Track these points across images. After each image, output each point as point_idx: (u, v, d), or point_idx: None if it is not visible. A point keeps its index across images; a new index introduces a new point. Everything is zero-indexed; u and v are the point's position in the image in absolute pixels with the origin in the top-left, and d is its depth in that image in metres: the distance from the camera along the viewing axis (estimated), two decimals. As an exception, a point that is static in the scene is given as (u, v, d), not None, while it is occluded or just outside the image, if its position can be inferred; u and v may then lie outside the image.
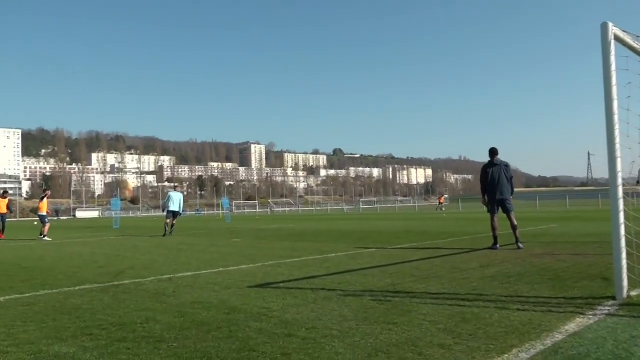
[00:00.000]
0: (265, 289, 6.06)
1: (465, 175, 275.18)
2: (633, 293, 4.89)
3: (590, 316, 4.23)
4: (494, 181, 10.04)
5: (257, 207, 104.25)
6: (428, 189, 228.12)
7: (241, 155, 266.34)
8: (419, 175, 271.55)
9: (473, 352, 3.37)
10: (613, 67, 4.86)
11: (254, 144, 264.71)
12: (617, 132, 4.86)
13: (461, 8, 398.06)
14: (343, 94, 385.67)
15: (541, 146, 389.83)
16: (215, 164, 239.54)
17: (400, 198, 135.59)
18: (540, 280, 6.09)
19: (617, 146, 4.87)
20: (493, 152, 10.25)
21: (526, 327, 3.92)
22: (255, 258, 9.67)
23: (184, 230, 22.61)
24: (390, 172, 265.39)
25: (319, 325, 4.23)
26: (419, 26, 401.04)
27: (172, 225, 18.29)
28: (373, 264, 8.26)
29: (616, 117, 4.85)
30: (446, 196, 50.23)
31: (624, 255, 4.82)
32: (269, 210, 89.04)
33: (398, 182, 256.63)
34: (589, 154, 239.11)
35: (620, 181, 4.86)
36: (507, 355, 3.27)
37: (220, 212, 59.15)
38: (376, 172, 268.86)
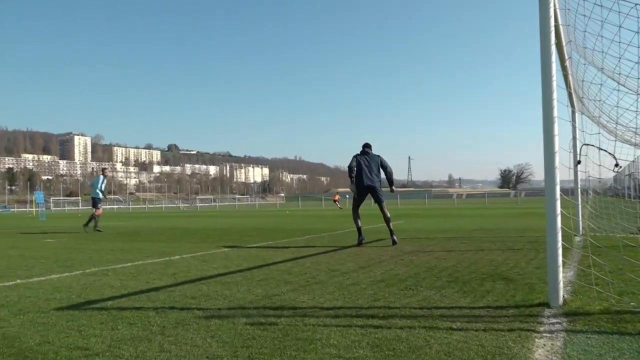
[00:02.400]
0: (83, 312, 4.11)
1: (301, 175, 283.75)
2: (565, 295, 4.05)
3: (547, 335, 3.20)
4: (361, 168, 9.34)
5: (80, 203, 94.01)
6: (265, 188, 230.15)
7: (62, 147, 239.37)
8: (256, 174, 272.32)
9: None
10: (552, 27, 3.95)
11: (78, 135, 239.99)
12: (554, 100, 3.96)
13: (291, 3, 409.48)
14: (179, 88, 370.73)
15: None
16: (29, 156, 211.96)
17: (238, 196, 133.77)
18: (441, 283, 5.09)
19: (555, 134, 3.97)
20: (366, 145, 9.71)
21: (489, 358, 2.72)
22: (72, 263, 7.37)
23: (-19, 230, 18.34)
24: (228, 170, 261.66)
25: (176, 379, 2.55)
26: (259, 19, 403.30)
27: None
28: (231, 267, 6.63)
29: (554, 80, 3.95)
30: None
31: (559, 254, 3.94)
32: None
33: (235, 180, 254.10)
34: (409, 158, 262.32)
35: (557, 173, 3.97)
36: None
37: (34, 209, 51.50)
38: (213, 169, 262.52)
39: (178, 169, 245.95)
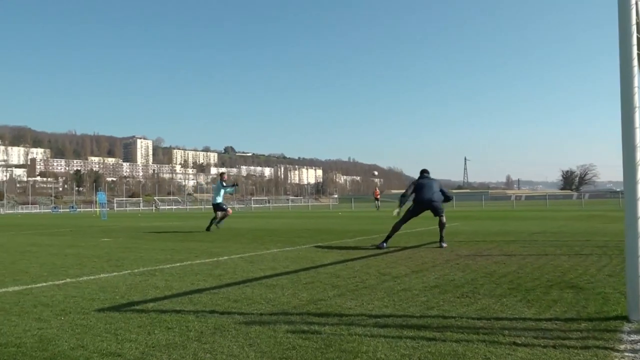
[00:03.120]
0: (123, 314, 3.99)
1: (354, 177, 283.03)
2: (648, 311, 3.56)
3: (629, 354, 2.77)
4: (422, 186, 9.50)
5: (141, 204, 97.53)
6: (319, 189, 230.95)
7: (125, 150, 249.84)
8: (310, 176, 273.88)
9: None
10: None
11: (140, 138, 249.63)
12: (636, 96, 3.49)
13: (362, 9, 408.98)
14: (235, 91, 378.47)
15: (422, 151, 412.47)
16: (95, 159, 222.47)
17: (291, 197, 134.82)
18: (502, 291, 4.66)
19: (637, 127, 3.50)
20: (424, 171, 9.91)
21: (561, 385, 2.34)
22: (122, 263, 7.40)
23: (46, 228, 19.14)
24: (282, 172, 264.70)
25: (206, 393, 2.33)
26: (311, 25, 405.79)
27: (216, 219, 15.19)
28: (278, 269, 6.43)
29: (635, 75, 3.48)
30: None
31: (640, 262, 3.46)
32: (154, 207, 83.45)
33: (289, 181, 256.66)
34: (465, 159, 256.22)
35: (638, 179, 3.49)
36: None
37: (97, 209, 53.81)
38: (268, 171, 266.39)
39: (234, 170, 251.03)
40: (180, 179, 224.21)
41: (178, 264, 7.14)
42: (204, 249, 9.31)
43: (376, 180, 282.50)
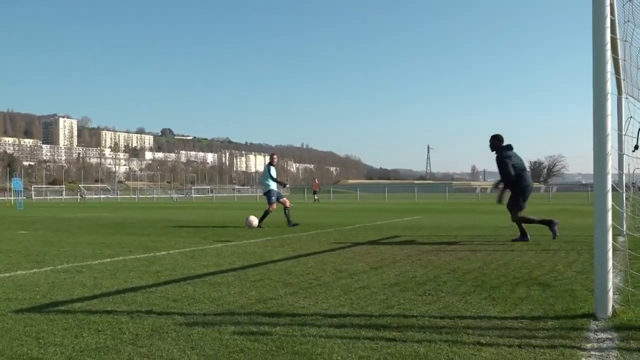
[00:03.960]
0: (46, 315, 3.88)
1: (308, 165, 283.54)
2: (615, 305, 3.77)
3: (596, 353, 2.93)
4: (524, 168, 8.98)
5: (64, 192, 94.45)
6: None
7: (45, 130, 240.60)
8: (258, 162, 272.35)
9: None
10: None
11: (63, 117, 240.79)
12: (608, 84, 3.66)
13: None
14: (174, 69, 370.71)
15: (382, 139, 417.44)
16: (9, 139, 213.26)
17: (237, 187, 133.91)
18: (466, 288, 4.82)
19: (608, 114, 3.68)
20: (509, 146, 9.09)
21: (527, 385, 2.46)
22: (43, 258, 7.18)
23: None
24: (227, 158, 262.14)
25: (143, 401, 2.31)
26: (259, 3, 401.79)
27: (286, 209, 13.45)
28: (223, 265, 6.41)
29: (608, 58, 3.64)
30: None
31: (609, 260, 3.66)
32: (79, 196, 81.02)
33: (235, 169, 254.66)
34: (428, 147, 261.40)
35: (609, 170, 3.68)
36: None
37: (12, 197, 51.68)
38: (211, 157, 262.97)
39: (172, 155, 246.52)
40: (110, 164, 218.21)
41: (108, 260, 6.99)
42: (139, 243, 9.15)
43: (332, 169, 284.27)
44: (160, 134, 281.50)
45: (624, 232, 9.66)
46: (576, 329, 3.41)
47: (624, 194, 10.05)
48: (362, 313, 3.90)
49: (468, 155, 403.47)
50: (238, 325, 3.54)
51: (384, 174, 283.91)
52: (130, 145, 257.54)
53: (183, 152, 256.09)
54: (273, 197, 13.11)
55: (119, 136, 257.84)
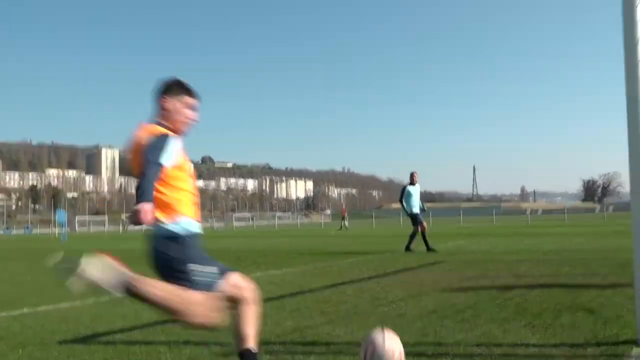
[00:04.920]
0: (87, 347, 4.10)
1: (349, 189, 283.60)
2: (660, 335, 3.73)
3: (636, 381, 2.93)
4: None
5: (107, 223, 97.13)
6: (309, 204, 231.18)
7: (88, 161, 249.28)
8: (299, 188, 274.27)
9: None
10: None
11: (106, 147, 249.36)
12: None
13: (347, 11, 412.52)
14: (213, 94, 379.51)
15: (426, 160, 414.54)
16: (54, 171, 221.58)
17: (278, 214, 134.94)
18: (506, 315, 4.83)
19: None
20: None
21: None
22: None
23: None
24: (267, 184, 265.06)
25: None
26: (301, 24, 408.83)
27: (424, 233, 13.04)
28: (261, 295, 6.54)
29: None
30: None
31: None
32: (121, 227, 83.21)
33: (276, 195, 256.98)
34: (474, 168, 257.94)
35: None
36: None
37: (57, 229, 53.55)
38: (251, 183, 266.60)
39: (212, 183, 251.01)
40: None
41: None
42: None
43: (374, 192, 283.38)
44: (200, 161, 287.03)
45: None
46: (617, 355, 3.40)
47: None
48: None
49: (516, 176, 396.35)
50: (272, 354, 3.68)
51: (428, 197, 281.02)
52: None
53: (223, 179, 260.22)
54: (419, 217, 12.98)
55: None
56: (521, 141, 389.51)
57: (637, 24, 3.69)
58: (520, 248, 13.44)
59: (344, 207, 47.84)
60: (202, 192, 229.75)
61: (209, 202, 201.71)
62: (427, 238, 12.91)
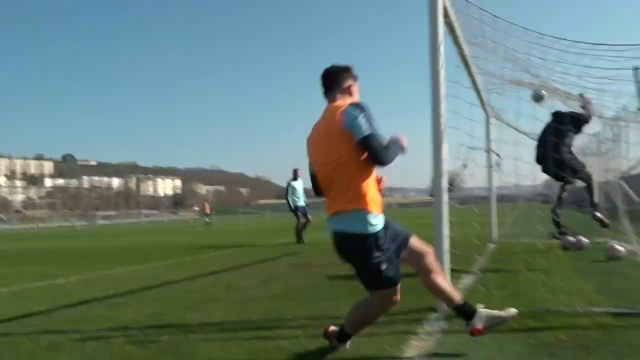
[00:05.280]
0: (-58, 342, 4.08)
1: (218, 187, 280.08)
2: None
3: (425, 336, 3.63)
4: None
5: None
6: (177, 202, 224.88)
7: None
8: (167, 186, 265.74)
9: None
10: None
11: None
12: (442, 110, 4.45)
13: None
14: (75, 89, 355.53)
15: (290, 158, 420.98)
16: None
17: (145, 211, 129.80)
18: (342, 294, 5.47)
19: (443, 128, 4.46)
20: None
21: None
22: None
23: None
24: (134, 183, 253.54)
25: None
26: (171, 13, 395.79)
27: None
28: (122, 289, 6.68)
29: (442, 92, 4.44)
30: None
31: (447, 263, 4.43)
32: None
33: (142, 193, 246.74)
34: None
35: (445, 183, 4.49)
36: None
37: None
38: (117, 182, 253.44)
39: (74, 182, 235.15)
40: (5, 193, 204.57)
41: (5, 289, 7.04)
42: (38, 272, 9.13)
43: (242, 190, 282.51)
44: (61, 159, 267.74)
45: (494, 240, 10.85)
46: (417, 320, 4.11)
47: (494, 209, 11.28)
48: (243, 320, 4.43)
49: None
50: (129, 337, 3.95)
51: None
52: (27, 172, 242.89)
53: (86, 177, 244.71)
54: (300, 211, 13.64)
55: (15, 163, 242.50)
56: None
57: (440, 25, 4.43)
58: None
59: (205, 203, 47.19)
60: (63, 190, 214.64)
61: (70, 201, 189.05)
62: (303, 231, 13.63)
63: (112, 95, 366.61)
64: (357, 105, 3.04)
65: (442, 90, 4.51)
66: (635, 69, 6.83)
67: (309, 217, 13.89)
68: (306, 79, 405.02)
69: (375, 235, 3.02)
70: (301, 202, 13.92)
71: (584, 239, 8.42)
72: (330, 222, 3.17)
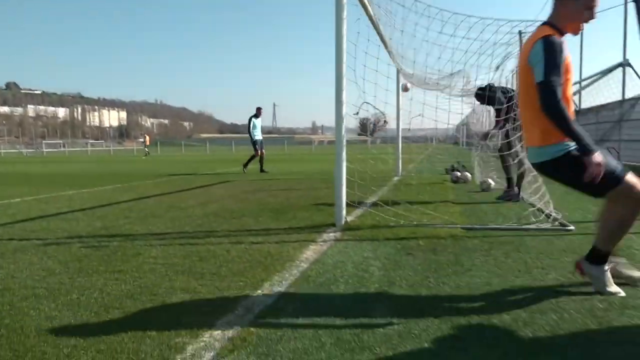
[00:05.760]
0: None
1: (162, 120, 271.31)
2: (349, 218, 5.25)
3: (322, 243, 4.30)
4: None
5: None
6: (122, 133, 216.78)
7: None
8: (112, 118, 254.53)
9: (223, 291, 2.96)
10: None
11: None
12: (344, 69, 4.98)
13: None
14: (18, 14, 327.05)
15: (232, 95, 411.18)
16: None
17: (91, 141, 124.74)
18: (263, 213, 6.09)
19: (344, 83, 5.00)
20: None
21: (268, 260, 3.71)
22: None
23: None
24: (79, 113, 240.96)
25: (13, 284, 3.17)
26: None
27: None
28: (75, 207, 7.01)
29: (344, 54, 4.95)
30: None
31: (344, 188, 5.09)
32: None
33: (88, 124, 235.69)
34: (274, 104, 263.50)
35: (344, 114, 5.06)
36: (260, 291, 2.97)
37: None
38: (62, 111, 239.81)
39: (19, 110, 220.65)
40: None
41: (-35, 207, 7.19)
42: (-8, 193, 9.19)
43: (185, 124, 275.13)
44: (4, 87, 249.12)
45: (400, 174, 11.74)
46: (318, 232, 4.79)
47: (400, 148, 12.11)
48: (180, 231, 4.96)
49: (309, 111, 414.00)
50: (84, 243, 4.41)
51: (234, 128, 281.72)
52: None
53: (31, 106, 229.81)
54: (257, 145, 14.28)
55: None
56: (315, 81, 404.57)
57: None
58: (299, 170, 15.17)
59: (145, 135, 45.24)
60: (8, 118, 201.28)
61: (16, 129, 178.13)
62: (262, 162, 14.47)
63: (58, 23, 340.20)
64: (546, 40, 2.68)
65: (344, 45, 5.02)
66: (520, 33, 7.38)
67: (264, 150, 14.58)
68: (250, 22, 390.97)
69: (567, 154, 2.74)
70: (259, 136, 14.49)
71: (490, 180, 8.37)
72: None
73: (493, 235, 4.51)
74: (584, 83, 15.52)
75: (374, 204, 6.55)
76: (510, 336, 2.27)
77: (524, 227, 4.81)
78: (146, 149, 41.75)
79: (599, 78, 14.52)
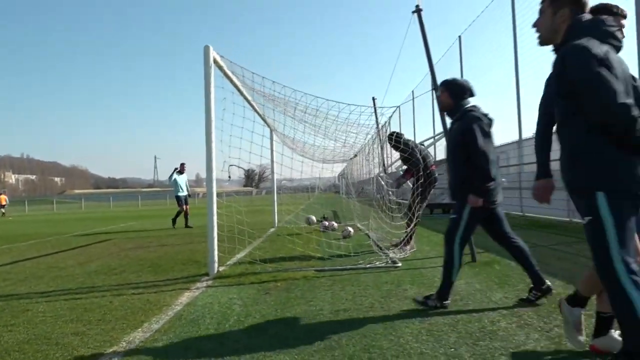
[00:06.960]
0: None
1: (29, 175, 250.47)
2: (222, 268, 6.04)
3: (195, 290, 5.06)
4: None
5: None
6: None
7: None
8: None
9: (109, 332, 3.62)
10: (212, 84, 5.87)
11: None
12: (213, 138, 5.89)
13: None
14: None
15: (109, 148, 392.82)
16: None
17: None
18: (142, 268, 6.66)
19: (213, 149, 5.90)
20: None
21: (147, 306, 4.40)
22: None
23: None
24: None
25: None
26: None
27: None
28: (-54, 274, 7.00)
29: (213, 126, 5.88)
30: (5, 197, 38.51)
31: (215, 241, 5.91)
32: None
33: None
34: (155, 157, 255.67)
35: (214, 176, 5.94)
36: (140, 329, 3.67)
37: None
38: None
39: None
40: None
41: None
42: None
43: (57, 179, 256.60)
44: None
45: (276, 224, 12.72)
46: (193, 281, 5.53)
47: (275, 201, 13.15)
48: (63, 289, 5.41)
49: (195, 163, 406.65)
50: (-31, 305, 4.73)
51: (112, 183, 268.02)
52: None
53: None
54: (181, 201, 14.62)
55: None
56: (197, 133, 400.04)
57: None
58: (181, 226, 15.55)
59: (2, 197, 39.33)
60: None
61: None
62: (187, 217, 14.75)
63: None
64: None
65: (213, 114, 5.96)
66: (374, 98, 8.71)
67: (188, 206, 14.92)
68: (132, 75, 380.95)
69: None
70: (183, 192, 14.85)
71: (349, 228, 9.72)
72: None
73: (338, 275, 5.57)
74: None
75: (247, 254, 7.40)
76: (324, 349, 3.24)
77: (367, 266, 5.95)
78: (2, 209, 37.63)
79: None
